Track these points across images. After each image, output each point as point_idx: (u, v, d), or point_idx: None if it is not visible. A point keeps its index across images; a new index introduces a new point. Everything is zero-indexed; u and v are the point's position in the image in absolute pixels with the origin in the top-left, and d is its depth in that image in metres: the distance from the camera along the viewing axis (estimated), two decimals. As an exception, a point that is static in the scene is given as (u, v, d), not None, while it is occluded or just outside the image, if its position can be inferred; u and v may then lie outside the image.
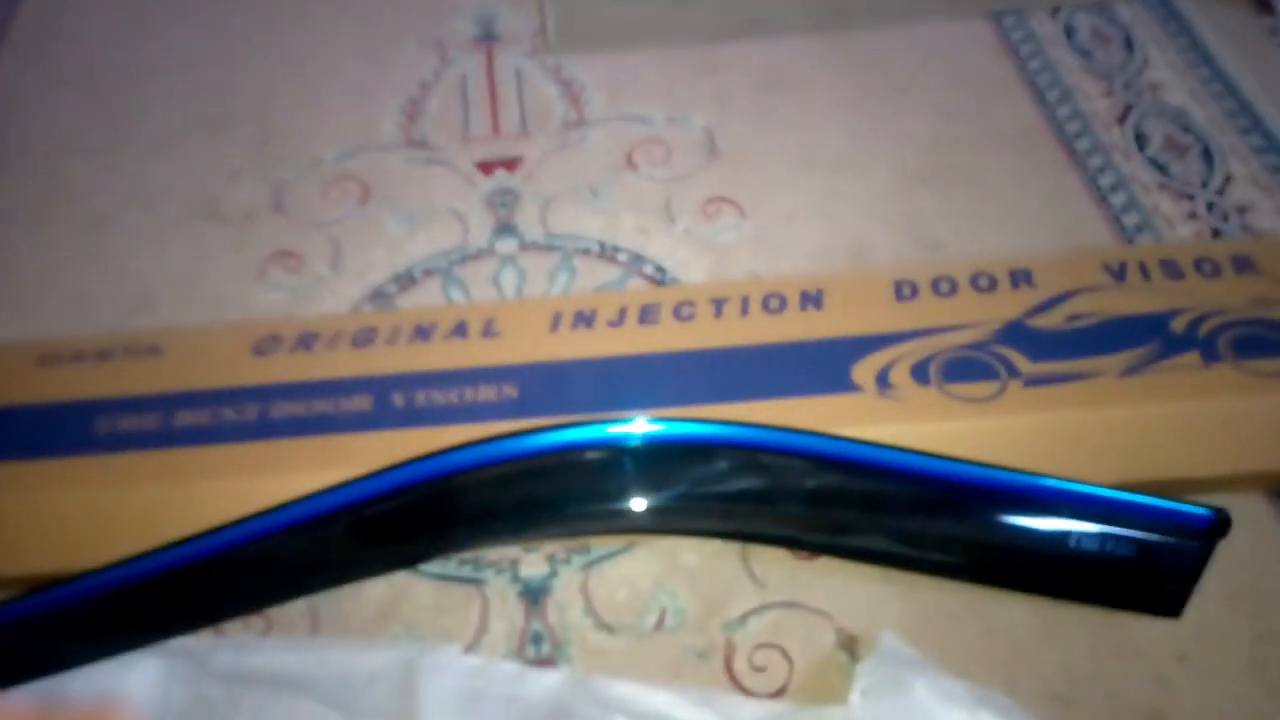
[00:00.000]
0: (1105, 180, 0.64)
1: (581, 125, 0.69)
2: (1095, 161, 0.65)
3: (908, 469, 0.44)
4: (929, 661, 0.42)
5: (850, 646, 0.45)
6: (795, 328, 0.50)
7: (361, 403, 0.49)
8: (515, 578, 0.49)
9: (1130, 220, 0.61)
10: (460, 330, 0.52)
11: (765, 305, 0.52)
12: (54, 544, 0.46)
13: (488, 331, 0.52)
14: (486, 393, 0.49)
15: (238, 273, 0.62)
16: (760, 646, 0.45)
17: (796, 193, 0.64)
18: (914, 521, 0.45)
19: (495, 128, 0.69)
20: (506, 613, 0.47)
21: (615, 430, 0.44)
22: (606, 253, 0.62)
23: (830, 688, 0.44)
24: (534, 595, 0.48)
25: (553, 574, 0.49)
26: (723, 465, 0.45)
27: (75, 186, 0.67)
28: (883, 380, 0.47)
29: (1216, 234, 0.60)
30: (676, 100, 0.70)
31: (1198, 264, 0.52)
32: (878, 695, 0.41)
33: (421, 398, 0.49)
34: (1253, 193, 0.62)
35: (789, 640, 0.46)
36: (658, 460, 0.45)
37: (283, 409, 0.49)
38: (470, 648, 0.46)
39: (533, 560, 0.49)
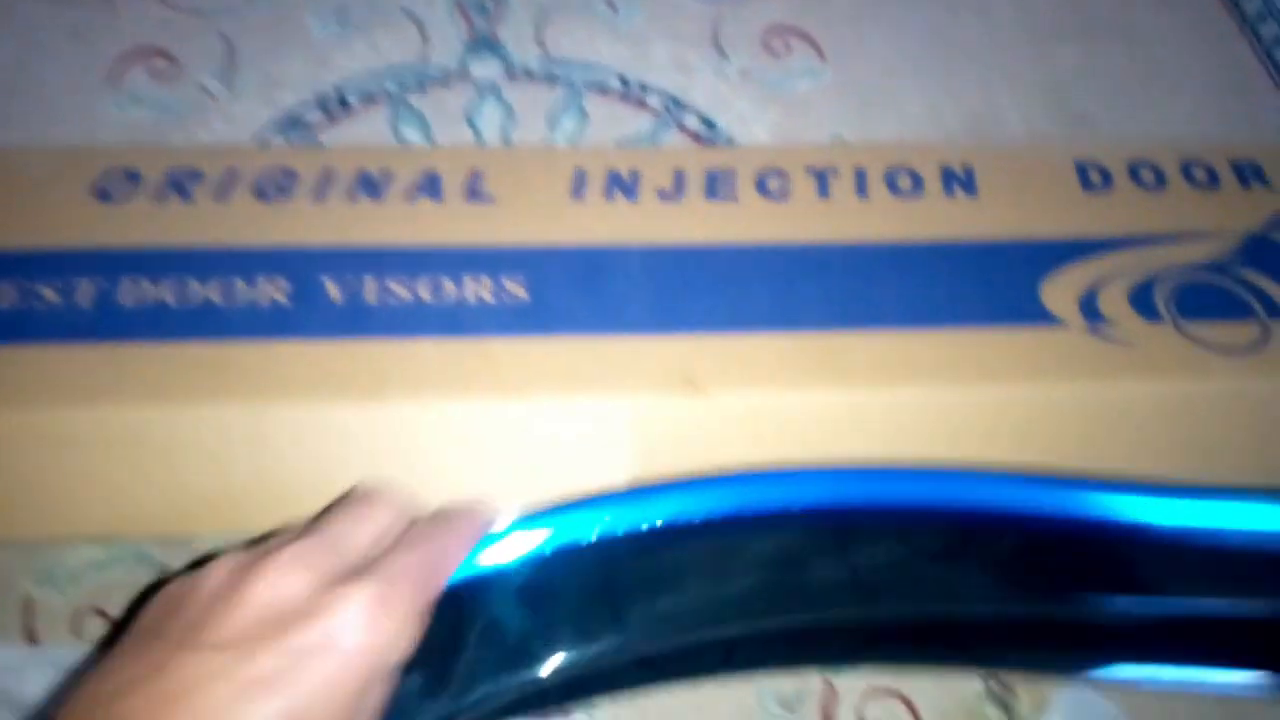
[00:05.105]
0: (1290, 54, 0.48)
1: (594, -89, 0.49)
2: (1270, 30, 0.49)
3: None
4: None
5: None
6: (941, 220, 0.34)
7: (271, 289, 0.30)
8: None
9: (1329, 110, 0.46)
10: (431, 186, 0.34)
11: (891, 183, 0.35)
12: None
13: (474, 191, 0.34)
14: (477, 287, 0.31)
15: (78, 73, 0.41)
16: None
17: (894, 33, 0.47)
18: None
19: (470, -98, 0.49)
20: None
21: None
22: (632, 93, 0.43)
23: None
24: None
25: None
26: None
27: None
28: (1090, 309, 0.31)
29: None
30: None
31: None
32: None
33: (371, 288, 0.31)
34: None
35: None
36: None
37: (138, 291, 0.30)
38: None
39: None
